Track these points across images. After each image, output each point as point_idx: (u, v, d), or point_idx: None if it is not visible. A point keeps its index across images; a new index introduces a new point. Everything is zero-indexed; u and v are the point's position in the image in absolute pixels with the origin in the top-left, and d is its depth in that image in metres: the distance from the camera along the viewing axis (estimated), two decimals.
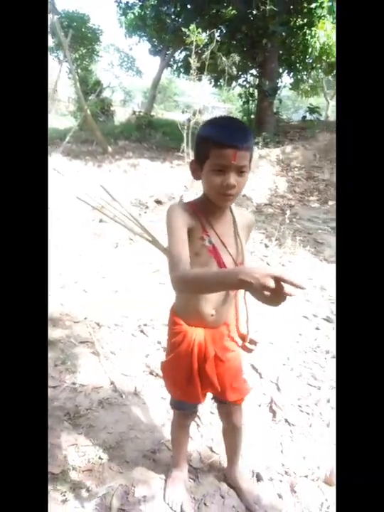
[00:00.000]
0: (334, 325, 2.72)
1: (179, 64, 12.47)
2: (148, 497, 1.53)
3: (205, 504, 1.52)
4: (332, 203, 6.13)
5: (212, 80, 10.69)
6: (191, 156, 5.36)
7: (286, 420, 1.95)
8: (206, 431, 1.84)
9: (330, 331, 2.64)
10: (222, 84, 10.45)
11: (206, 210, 1.14)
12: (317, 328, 2.68)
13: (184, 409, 1.44)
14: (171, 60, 13.31)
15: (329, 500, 1.58)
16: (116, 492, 1.52)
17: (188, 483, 1.58)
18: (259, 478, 1.65)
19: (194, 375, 1.26)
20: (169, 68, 13.95)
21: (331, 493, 1.62)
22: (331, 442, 1.85)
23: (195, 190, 5.20)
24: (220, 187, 1.03)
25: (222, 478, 1.62)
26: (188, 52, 8.67)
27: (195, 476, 1.63)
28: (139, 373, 2.21)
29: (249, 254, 3.81)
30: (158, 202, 4.87)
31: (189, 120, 4.77)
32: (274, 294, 0.76)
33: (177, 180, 5.94)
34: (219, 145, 0.99)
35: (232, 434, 1.52)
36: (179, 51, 11.87)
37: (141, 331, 2.61)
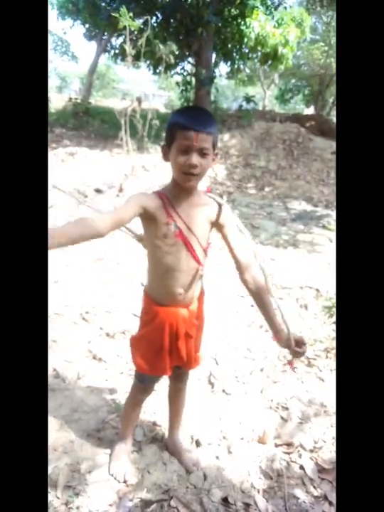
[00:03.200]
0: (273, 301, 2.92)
1: (116, 50, 12.16)
2: (94, 472, 1.60)
3: (148, 472, 1.62)
4: (268, 189, 6.44)
5: (151, 67, 10.59)
6: (130, 145, 5.34)
7: (223, 390, 2.10)
8: (149, 406, 1.93)
9: None
10: (160, 71, 10.39)
11: (172, 195, 1.22)
12: (252, 306, 2.87)
13: (147, 383, 1.50)
14: (108, 45, 12.92)
15: (262, 455, 1.75)
16: (63, 470, 1.57)
17: (132, 455, 1.67)
18: (198, 443, 1.78)
19: (164, 351, 1.35)
20: (106, 54, 13.54)
21: (264, 449, 1.79)
22: (263, 407, 2.03)
23: (136, 179, 5.21)
24: (184, 166, 1.14)
25: (164, 448, 1.73)
26: (124, 38, 8.51)
27: (139, 448, 1.72)
28: (82, 359, 2.25)
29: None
30: (98, 191, 4.82)
31: (127, 108, 4.74)
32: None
33: (117, 168, 5.89)
34: (183, 128, 1.12)
35: (178, 394, 1.64)
36: (116, 37, 11.57)
37: (83, 319, 2.62)
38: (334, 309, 2.80)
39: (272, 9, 9.45)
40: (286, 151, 8.19)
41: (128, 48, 4.29)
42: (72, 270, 3.29)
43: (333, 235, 4.46)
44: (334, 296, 2.96)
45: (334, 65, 15.97)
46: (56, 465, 1.59)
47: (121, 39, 10.80)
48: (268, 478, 1.67)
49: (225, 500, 1.52)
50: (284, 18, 9.75)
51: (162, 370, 1.41)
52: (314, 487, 1.66)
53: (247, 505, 1.52)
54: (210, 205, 1.29)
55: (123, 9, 4.15)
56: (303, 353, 1.29)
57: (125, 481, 1.56)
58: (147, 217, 1.20)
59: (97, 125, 9.87)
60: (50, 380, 2.06)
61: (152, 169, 5.55)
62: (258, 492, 1.60)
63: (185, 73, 8.98)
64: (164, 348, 1.35)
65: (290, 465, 1.74)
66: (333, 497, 1.62)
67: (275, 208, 5.75)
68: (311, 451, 1.82)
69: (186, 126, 1.12)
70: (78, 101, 11.48)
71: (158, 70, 10.75)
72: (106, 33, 12.11)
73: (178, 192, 1.22)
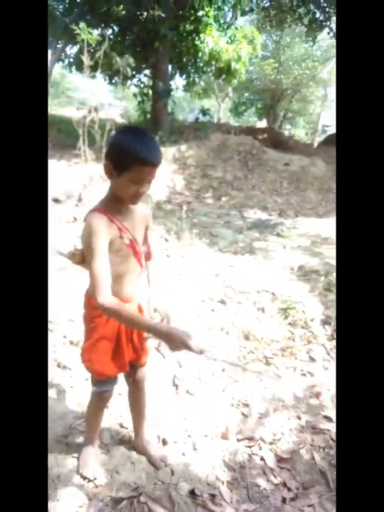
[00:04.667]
0: (227, 306, 3.06)
1: (71, 59, 12.06)
2: (63, 476, 1.62)
3: (117, 472, 1.67)
4: (225, 198, 6.67)
5: (107, 78, 10.61)
6: (88, 155, 5.34)
7: (187, 391, 2.19)
8: (115, 409, 1.97)
9: (224, 312, 2.97)
10: (117, 82, 10.43)
11: (116, 210, 1.29)
12: (212, 310, 2.99)
13: (106, 387, 1.54)
14: (62, 54, 12.78)
15: (225, 450, 1.85)
16: None
17: (100, 457, 1.71)
18: (165, 442, 1.85)
19: (123, 345, 1.43)
20: (61, 63, 13.37)
21: (227, 444, 1.89)
22: (225, 404, 2.14)
23: (94, 189, 5.21)
24: (135, 194, 1.23)
25: (132, 449, 1.78)
26: (79, 48, 8.50)
27: (107, 450, 1.77)
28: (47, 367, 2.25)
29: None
30: (56, 200, 4.77)
31: (85, 117, 4.76)
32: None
33: (75, 178, 5.85)
34: (141, 162, 1.16)
35: (138, 396, 1.70)
36: (70, 46, 11.48)
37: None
38: (289, 311, 2.98)
39: (225, 27, 9.84)
40: (241, 162, 8.52)
41: (86, 59, 4.34)
42: None
43: (286, 242, 4.71)
44: (288, 299, 3.15)
45: (284, 81, 16.80)
46: None
47: (75, 48, 10.76)
48: (231, 470, 1.77)
49: (192, 493, 1.60)
50: (236, 35, 10.22)
51: (122, 366, 1.48)
52: (274, 476, 1.78)
53: (212, 496, 1.61)
54: (143, 211, 1.44)
55: (82, 24, 4.21)
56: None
57: (94, 482, 1.60)
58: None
59: (53, 134, 9.70)
60: None
61: None
62: (223, 484, 1.70)
63: (141, 85, 9.11)
64: (122, 342, 1.43)
65: (251, 457, 1.86)
66: (291, 484, 1.75)
67: (232, 217, 5.96)
68: (271, 443, 1.94)
69: (144, 162, 1.16)
70: None
71: (114, 81, 10.81)
72: (60, 42, 11.99)
73: (120, 206, 1.30)
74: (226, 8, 9.91)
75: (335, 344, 2.66)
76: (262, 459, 1.86)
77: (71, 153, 7.76)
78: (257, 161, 8.64)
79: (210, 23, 9.09)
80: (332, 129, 20.61)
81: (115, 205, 1.29)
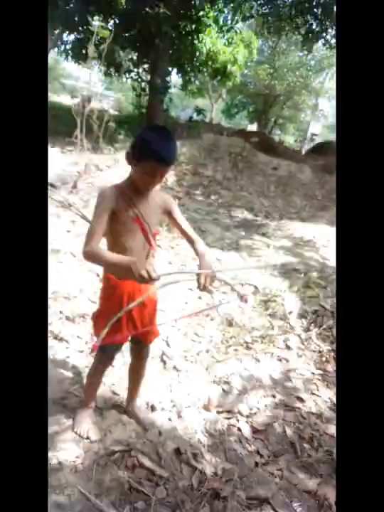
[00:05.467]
0: (213, 295, 3.26)
1: (66, 45, 12.02)
2: (60, 432, 1.79)
3: (109, 431, 1.85)
4: (214, 197, 6.89)
5: (102, 69, 10.64)
6: (85, 143, 5.46)
7: (174, 367, 2.38)
8: (108, 379, 2.15)
9: (210, 300, 3.17)
10: (111, 73, 10.46)
11: (131, 190, 1.47)
12: (199, 298, 3.19)
13: (109, 352, 1.71)
14: (59, 41, 12.72)
15: (207, 419, 2.05)
16: None
17: (94, 418, 1.89)
18: (153, 408, 2.04)
19: (122, 323, 1.58)
20: (56, 49, 13.30)
21: (208, 415, 2.10)
22: (208, 381, 2.34)
23: (90, 177, 5.33)
24: (148, 184, 1.42)
25: (123, 412, 1.96)
26: (82, 38, 8.54)
27: (100, 413, 1.94)
28: None
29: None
30: (52, 185, 4.88)
31: (84, 107, 4.88)
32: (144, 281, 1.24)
33: (68, 165, 5.96)
34: (156, 159, 1.33)
35: (138, 368, 1.89)
36: (67, 33, 11.45)
37: None
38: (269, 303, 3.21)
39: (225, 30, 10.05)
40: (231, 163, 8.75)
41: (91, 51, 4.46)
42: None
43: (270, 242, 4.95)
44: (270, 293, 3.38)
45: (278, 87, 17.14)
46: None
47: (72, 36, 10.74)
48: (212, 436, 1.98)
49: (177, 451, 1.79)
50: (234, 37, 10.44)
51: (121, 339, 1.64)
52: (249, 444, 2.00)
53: (195, 454, 1.81)
54: (162, 197, 1.58)
55: (96, 17, 4.33)
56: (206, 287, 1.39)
57: (88, 438, 1.78)
58: (113, 211, 1.45)
59: (48, 120, 9.69)
60: None
61: (105, 169, 5.71)
62: (203, 446, 1.90)
63: (139, 80, 9.21)
64: (122, 317, 1.56)
65: (230, 427, 2.07)
66: (264, 452, 1.97)
67: (220, 215, 6.18)
68: (247, 416, 2.15)
69: (158, 160, 1.33)
70: None
71: (109, 72, 10.85)
72: (58, 29, 11.93)
73: (135, 188, 1.48)
74: (226, 11, 10.12)
75: (309, 335, 2.90)
76: (239, 429, 2.07)
77: (64, 141, 7.83)
78: (246, 163, 8.89)
79: (210, 25, 9.29)
80: (320, 138, 21.12)
81: (131, 186, 1.47)
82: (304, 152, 14.75)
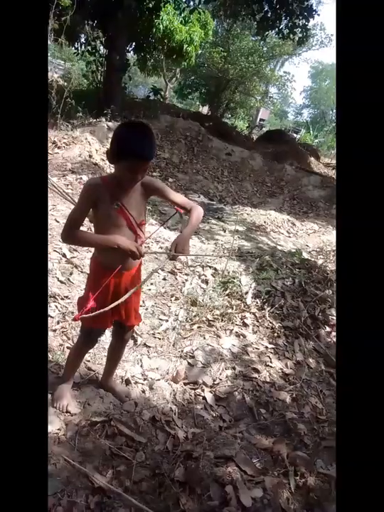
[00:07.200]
0: (177, 277, 3.43)
1: None
2: None
3: (88, 404, 1.97)
4: (171, 180, 6.98)
5: (52, 36, 10.08)
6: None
7: (144, 344, 2.54)
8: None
9: (173, 281, 3.34)
10: (61, 42, 9.94)
11: (115, 184, 1.50)
12: (164, 279, 3.35)
13: (92, 336, 1.81)
14: None
15: (176, 390, 2.24)
16: None
17: (72, 392, 2.00)
18: (127, 382, 2.19)
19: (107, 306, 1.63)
20: None
21: (176, 386, 2.29)
22: (175, 356, 2.53)
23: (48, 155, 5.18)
24: (131, 180, 1.46)
25: (99, 387, 2.09)
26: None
27: (78, 388, 2.06)
28: None
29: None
30: None
31: None
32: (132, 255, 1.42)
33: None
34: (137, 157, 1.37)
35: (119, 349, 2.01)
36: None
37: None
38: (228, 284, 3.44)
39: (182, 8, 9.90)
40: (187, 146, 8.85)
41: (51, 22, 4.29)
42: None
43: (226, 226, 5.19)
44: (228, 275, 3.62)
45: (230, 71, 17.28)
46: None
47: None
48: (181, 405, 2.18)
49: (152, 419, 1.97)
50: (191, 16, 10.32)
51: (104, 323, 1.76)
52: (213, 411, 2.22)
53: (168, 422, 2.00)
54: (145, 183, 1.57)
55: None
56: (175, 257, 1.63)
57: (68, 412, 1.89)
58: (96, 203, 1.51)
59: None
60: None
61: (64, 147, 5.56)
62: (175, 414, 2.09)
63: (97, 54, 8.83)
64: (107, 304, 1.65)
65: (196, 397, 2.28)
66: (226, 417, 2.21)
67: None
68: (211, 386, 2.38)
69: (140, 157, 1.37)
70: None
71: (59, 41, 10.29)
72: None
73: (119, 183, 1.52)
74: None
75: (263, 313, 3.18)
76: (204, 398, 2.29)
77: None
78: (202, 147, 9.03)
79: (169, 1, 9.10)
80: (267, 124, 21.64)
81: (114, 180, 1.52)
82: (255, 138, 15.13)
